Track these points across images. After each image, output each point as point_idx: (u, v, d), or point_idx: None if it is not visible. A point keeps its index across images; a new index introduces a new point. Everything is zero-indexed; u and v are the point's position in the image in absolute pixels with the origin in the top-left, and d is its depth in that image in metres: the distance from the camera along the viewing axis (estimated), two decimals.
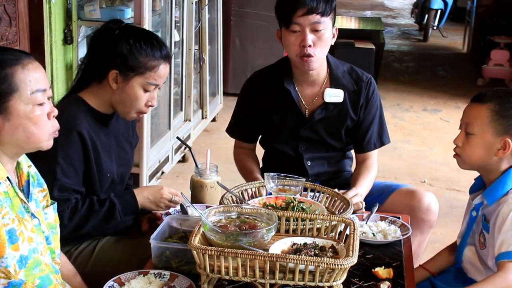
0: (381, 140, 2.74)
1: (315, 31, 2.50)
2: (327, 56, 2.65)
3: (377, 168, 2.73)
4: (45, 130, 1.72)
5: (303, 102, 2.68)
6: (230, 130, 2.87)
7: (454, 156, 2.19)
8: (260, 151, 2.89)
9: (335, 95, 2.65)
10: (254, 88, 2.74)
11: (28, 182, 1.80)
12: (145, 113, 2.31)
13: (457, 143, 2.16)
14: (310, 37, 2.50)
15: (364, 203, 2.44)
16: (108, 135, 2.32)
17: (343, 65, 2.73)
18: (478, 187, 2.25)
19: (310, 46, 2.51)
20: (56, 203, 1.90)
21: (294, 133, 2.70)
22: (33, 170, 1.85)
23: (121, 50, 2.20)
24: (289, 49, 2.58)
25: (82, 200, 2.22)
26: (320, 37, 2.52)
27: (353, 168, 2.82)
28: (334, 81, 2.67)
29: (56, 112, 1.75)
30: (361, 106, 2.69)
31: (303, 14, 2.48)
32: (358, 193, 2.45)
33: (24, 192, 1.77)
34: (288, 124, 2.69)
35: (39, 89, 1.69)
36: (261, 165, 2.87)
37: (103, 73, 2.23)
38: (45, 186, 1.87)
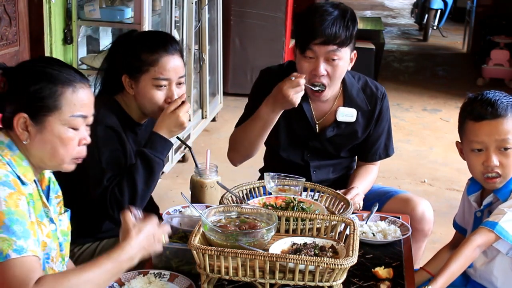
0: (387, 152, 2.74)
1: (329, 60, 2.42)
2: None
3: (377, 171, 2.74)
4: (70, 153, 1.70)
5: (314, 116, 2.61)
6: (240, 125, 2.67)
7: (493, 179, 2.11)
8: (261, 151, 2.88)
9: (348, 115, 2.59)
10: (269, 86, 2.51)
11: (48, 187, 1.80)
12: None
13: (495, 164, 2.09)
14: (323, 66, 2.41)
15: (361, 204, 2.45)
16: (135, 142, 2.30)
17: (358, 81, 2.64)
18: (477, 188, 2.25)
19: (322, 75, 2.43)
20: (69, 210, 1.88)
21: (302, 143, 2.65)
22: (53, 176, 1.85)
23: (125, 54, 2.22)
24: (301, 73, 2.44)
25: (116, 185, 2.12)
26: (335, 67, 2.43)
27: None
28: (348, 100, 2.60)
29: (88, 140, 1.74)
30: (374, 121, 2.65)
31: (320, 43, 2.39)
32: (359, 193, 2.46)
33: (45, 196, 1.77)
34: (297, 134, 2.63)
35: (81, 114, 1.69)
36: (262, 164, 2.85)
37: (120, 82, 2.24)
38: (59, 193, 1.86)
